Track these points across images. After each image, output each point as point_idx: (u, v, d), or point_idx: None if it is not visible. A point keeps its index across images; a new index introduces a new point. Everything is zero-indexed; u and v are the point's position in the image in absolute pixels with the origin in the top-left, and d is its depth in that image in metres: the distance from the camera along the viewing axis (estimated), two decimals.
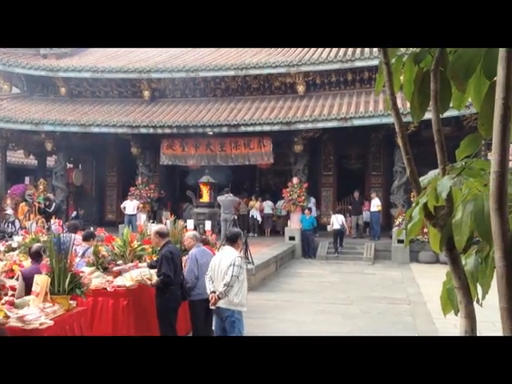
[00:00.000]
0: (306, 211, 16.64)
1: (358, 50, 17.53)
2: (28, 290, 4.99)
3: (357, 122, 15.61)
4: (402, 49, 1.61)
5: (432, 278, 10.62)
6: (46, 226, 10.79)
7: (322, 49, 18.39)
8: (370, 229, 17.68)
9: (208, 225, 10.82)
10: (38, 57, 20.92)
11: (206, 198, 17.01)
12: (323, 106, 17.01)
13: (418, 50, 1.59)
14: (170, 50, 20.74)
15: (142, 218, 15.78)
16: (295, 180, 17.13)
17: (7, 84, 21.05)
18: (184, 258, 6.89)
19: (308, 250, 16.59)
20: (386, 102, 1.63)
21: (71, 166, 21.42)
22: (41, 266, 5.02)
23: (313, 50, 18.76)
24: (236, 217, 15.43)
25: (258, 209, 18.84)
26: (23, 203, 18.08)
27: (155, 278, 6.11)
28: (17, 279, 5.77)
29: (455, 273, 1.46)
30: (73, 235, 6.33)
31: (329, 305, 9.61)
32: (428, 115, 1.55)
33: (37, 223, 14.37)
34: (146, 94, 19.61)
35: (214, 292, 5.53)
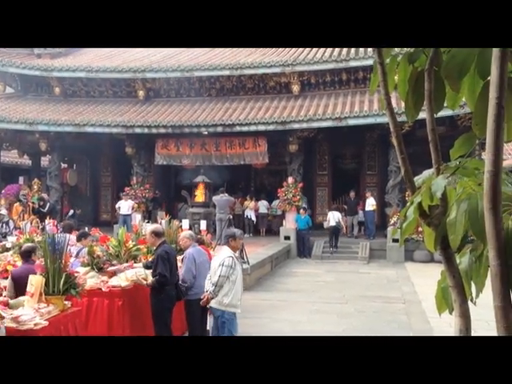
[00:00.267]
0: (301, 211, 16.65)
1: (353, 49, 17.55)
2: (18, 290, 4.97)
3: (351, 122, 15.64)
4: (396, 49, 1.61)
5: (427, 277, 10.66)
6: (41, 227, 10.73)
7: (317, 49, 18.41)
8: (365, 228, 17.73)
9: (203, 224, 10.82)
10: (32, 56, 20.83)
11: (201, 197, 17.00)
12: (318, 105, 17.04)
13: (412, 49, 1.60)
14: (165, 50, 20.69)
15: (137, 218, 15.74)
16: (290, 180, 17.15)
17: (1, 84, 20.95)
18: (179, 258, 6.88)
19: (303, 250, 16.60)
20: (381, 101, 1.63)
21: (65, 165, 21.34)
22: (35, 266, 5.00)
23: (307, 49, 18.77)
24: (231, 216, 15.42)
25: (252, 209, 18.84)
26: (17, 203, 18.00)
27: (150, 278, 6.10)
28: None
29: (450, 272, 1.46)
30: (67, 235, 6.30)
31: (324, 304, 9.63)
32: (422, 115, 1.55)
33: (31, 223, 14.29)
34: (141, 93, 19.56)
35: (207, 291, 5.61)
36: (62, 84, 20.22)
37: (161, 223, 9.14)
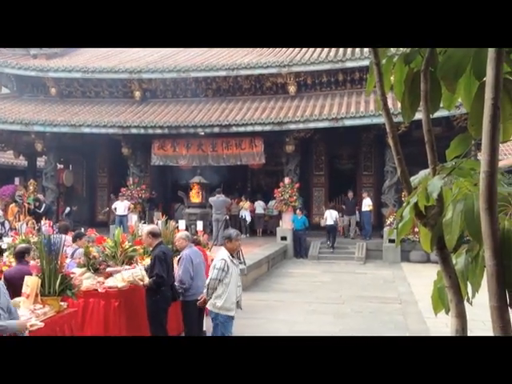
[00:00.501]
0: (298, 211, 16.66)
1: (349, 50, 17.58)
2: (11, 291, 4.95)
3: (348, 123, 15.66)
4: (392, 49, 1.61)
5: (423, 278, 10.68)
6: (36, 227, 10.70)
7: (313, 49, 18.43)
8: (362, 228, 17.75)
9: (200, 225, 10.81)
10: (27, 57, 20.77)
11: (197, 198, 16.98)
12: (314, 106, 17.05)
13: (408, 50, 1.60)
14: (161, 50, 20.67)
15: (134, 218, 15.71)
16: (287, 180, 17.15)
17: None
18: (175, 259, 6.87)
19: (300, 250, 16.61)
20: (377, 102, 1.63)
21: (61, 166, 21.27)
22: (29, 267, 4.98)
23: (304, 50, 18.79)
24: (228, 217, 15.41)
25: (247, 209, 18.83)
26: (13, 204, 17.94)
27: (147, 279, 6.09)
28: None
29: (446, 272, 1.47)
30: (63, 236, 6.29)
31: (320, 304, 9.63)
32: (418, 115, 1.56)
33: (27, 224, 14.24)
34: (137, 94, 19.53)
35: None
36: (58, 84, 20.16)
37: (157, 224, 9.13)
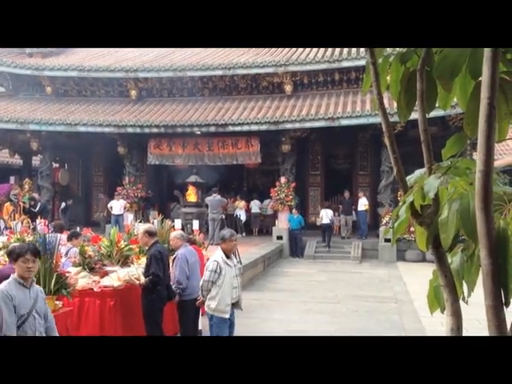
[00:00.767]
0: (294, 211, 16.67)
1: (345, 50, 17.60)
2: None
3: (344, 122, 15.68)
4: (388, 49, 1.61)
5: (418, 277, 10.71)
6: (32, 226, 10.66)
7: (310, 49, 18.43)
8: (358, 228, 17.78)
9: (196, 224, 10.79)
10: (23, 55, 20.70)
11: (193, 197, 16.96)
12: (311, 105, 17.06)
13: (404, 50, 1.60)
14: (157, 50, 20.62)
15: (129, 217, 15.68)
16: (283, 179, 17.16)
17: None
18: (170, 259, 6.85)
19: (296, 250, 16.62)
20: (373, 101, 1.63)
21: (57, 165, 21.20)
22: None
23: (300, 50, 18.79)
24: (224, 216, 15.39)
25: (242, 208, 18.81)
26: (8, 203, 17.85)
27: (143, 278, 6.09)
28: None
29: (441, 271, 1.47)
30: (58, 235, 6.26)
31: (316, 304, 9.64)
32: (414, 115, 1.56)
33: (22, 223, 14.19)
34: (133, 93, 19.49)
35: None
36: (54, 83, 20.10)
37: (153, 223, 9.11)
